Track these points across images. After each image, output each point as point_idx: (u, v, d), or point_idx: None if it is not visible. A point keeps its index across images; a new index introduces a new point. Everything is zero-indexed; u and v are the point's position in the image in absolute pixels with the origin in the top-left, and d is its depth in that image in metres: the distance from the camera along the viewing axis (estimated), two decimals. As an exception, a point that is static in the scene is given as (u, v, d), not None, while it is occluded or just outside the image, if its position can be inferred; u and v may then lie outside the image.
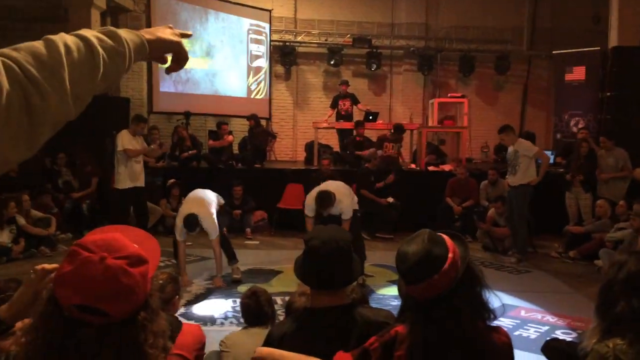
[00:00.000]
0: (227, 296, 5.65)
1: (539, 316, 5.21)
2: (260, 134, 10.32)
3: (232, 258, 6.28)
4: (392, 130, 9.62)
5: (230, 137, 9.76)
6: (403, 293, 1.65)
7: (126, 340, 1.13)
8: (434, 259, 1.54)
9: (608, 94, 9.25)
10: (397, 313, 1.72)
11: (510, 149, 7.19)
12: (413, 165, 9.96)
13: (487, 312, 1.61)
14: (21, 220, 7.20)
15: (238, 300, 5.40)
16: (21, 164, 8.49)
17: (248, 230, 8.55)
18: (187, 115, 10.27)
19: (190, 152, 9.44)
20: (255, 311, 3.06)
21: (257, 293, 3.12)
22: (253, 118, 10.16)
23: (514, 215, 7.21)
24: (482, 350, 1.54)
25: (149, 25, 10.40)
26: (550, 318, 5.12)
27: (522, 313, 5.25)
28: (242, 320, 4.90)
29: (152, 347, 1.16)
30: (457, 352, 1.52)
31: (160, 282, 3.01)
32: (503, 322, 5.00)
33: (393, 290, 5.96)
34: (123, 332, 1.13)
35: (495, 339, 1.58)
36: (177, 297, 3.07)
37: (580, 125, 10.26)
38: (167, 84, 10.86)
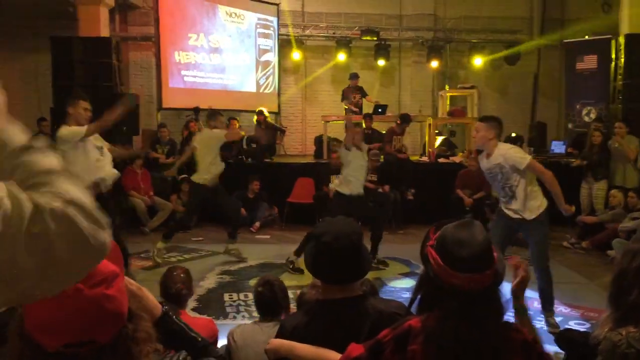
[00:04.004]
0: (239, 290, 5.67)
1: (552, 307, 5.17)
2: (268, 128, 10.34)
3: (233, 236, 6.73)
4: (399, 121, 9.60)
5: (241, 132, 9.79)
6: (431, 282, 1.56)
7: (120, 357, 1.09)
8: (490, 252, 1.52)
9: (620, 82, 9.15)
10: (409, 302, 1.68)
11: (485, 162, 4.56)
12: (425, 158, 9.94)
13: (504, 311, 1.59)
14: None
15: (250, 294, 5.45)
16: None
17: (257, 224, 8.57)
18: (197, 110, 10.29)
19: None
20: (269, 301, 2.96)
21: (272, 282, 3.02)
22: (260, 114, 10.22)
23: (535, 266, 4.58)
24: (506, 350, 1.52)
25: (157, 22, 10.43)
26: (563, 309, 5.09)
27: (535, 304, 5.22)
28: (254, 314, 4.94)
29: (146, 355, 1.13)
30: (486, 351, 1.49)
31: (182, 276, 3.10)
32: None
33: (404, 283, 5.97)
34: (115, 351, 1.08)
35: (517, 337, 1.57)
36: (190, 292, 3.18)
37: (592, 115, 10.16)
38: (176, 80, 10.88)
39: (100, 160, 5.21)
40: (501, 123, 4.59)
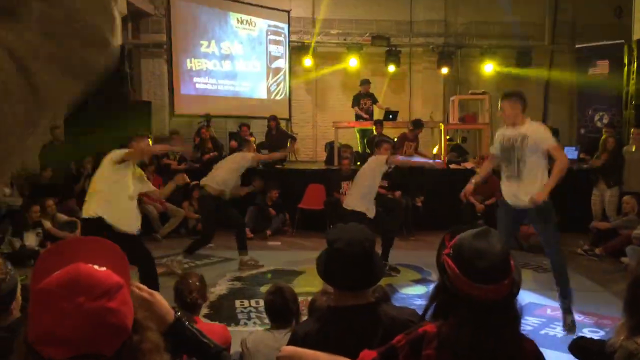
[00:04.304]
0: (250, 296, 5.68)
1: (565, 314, 5.12)
2: (279, 135, 10.38)
3: (243, 248, 6.77)
4: (411, 127, 9.59)
5: (251, 139, 9.83)
6: (447, 290, 1.54)
7: None
8: (508, 261, 1.51)
9: (633, 87, 9.09)
10: (424, 309, 1.67)
11: (509, 130, 4.48)
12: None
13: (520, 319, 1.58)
14: (47, 224, 7.34)
15: (261, 301, 5.45)
16: (52, 171, 8.47)
17: (269, 231, 8.60)
18: (208, 117, 10.35)
19: (211, 153, 9.51)
20: (280, 307, 2.99)
21: (282, 289, 3.06)
22: (274, 119, 10.25)
23: (546, 250, 4.67)
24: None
25: (169, 30, 10.51)
26: (577, 316, 5.03)
27: (549, 311, 5.19)
28: (265, 320, 4.93)
29: None
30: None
31: (198, 284, 3.12)
32: (529, 321, 4.94)
33: (416, 290, 5.95)
34: None
35: (528, 347, 1.56)
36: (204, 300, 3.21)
37: (604, 120, 10.09)
38: (188, 87, 10.95)
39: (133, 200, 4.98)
40: (524, 97, 4.52)
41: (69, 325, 1.00)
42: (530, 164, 4.34)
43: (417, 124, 9.61)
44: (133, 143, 5.17)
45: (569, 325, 4.54)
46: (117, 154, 4.91)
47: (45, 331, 1.01)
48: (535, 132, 4.35)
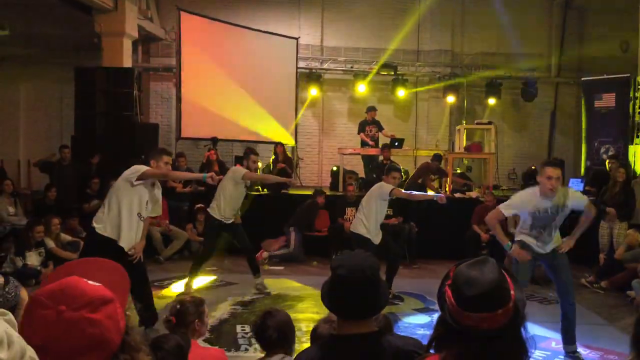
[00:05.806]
0: (252, 322, 5.62)
1: (571, 348, 5.05)
2: (285, 162, 10.43)
3: (256, 271, 6.72)
4: (432, 159, 9.61)
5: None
6: (447, 321, 1.52)
7: None
8: (503, 290, 1.50)
9: (639, 120, 9.10)
10: (428, 341, 1.65)
11: (544, 202, 4.49)
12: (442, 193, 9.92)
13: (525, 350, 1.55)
14: (50, 244, 7.32)
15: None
16: (59, 190, 8.46)
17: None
18: (215, 141, 10.40)
19: (217, 177, 9.51)
20: (263, 334, 2.80)
21: (272, 313, 2.86)
22: (281, 146, 10.37)
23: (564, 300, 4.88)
24: None
25: (179, 54, 10.63)
26: (582, 350, 4.96)
27: (553, 345, 5.11)
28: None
29: None
30: None
31: (178, 307, 3.05)
32: (534, 354, 4.87)
33: (419, 319, 5.88)
34: None
35: None
36: (198, 320, 3.05)
37: (610, 152, 10.09)
38: (195, 110, 11.01)
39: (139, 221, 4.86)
40: None
41: (48, 332, 1.00)
42: (558, 225, 4.68)
43: (436, 158, 9.67)
44: (152, 161, 4.94)
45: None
46: (135, 170, 4.74)
47: (36, 342, 1.01)
48: (572, 198, 4.57)
